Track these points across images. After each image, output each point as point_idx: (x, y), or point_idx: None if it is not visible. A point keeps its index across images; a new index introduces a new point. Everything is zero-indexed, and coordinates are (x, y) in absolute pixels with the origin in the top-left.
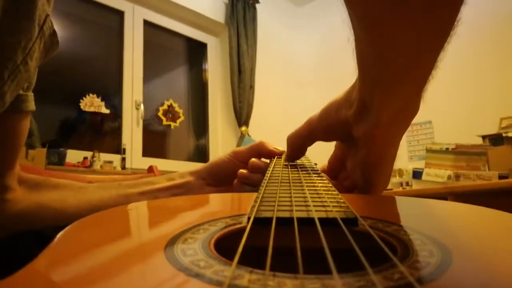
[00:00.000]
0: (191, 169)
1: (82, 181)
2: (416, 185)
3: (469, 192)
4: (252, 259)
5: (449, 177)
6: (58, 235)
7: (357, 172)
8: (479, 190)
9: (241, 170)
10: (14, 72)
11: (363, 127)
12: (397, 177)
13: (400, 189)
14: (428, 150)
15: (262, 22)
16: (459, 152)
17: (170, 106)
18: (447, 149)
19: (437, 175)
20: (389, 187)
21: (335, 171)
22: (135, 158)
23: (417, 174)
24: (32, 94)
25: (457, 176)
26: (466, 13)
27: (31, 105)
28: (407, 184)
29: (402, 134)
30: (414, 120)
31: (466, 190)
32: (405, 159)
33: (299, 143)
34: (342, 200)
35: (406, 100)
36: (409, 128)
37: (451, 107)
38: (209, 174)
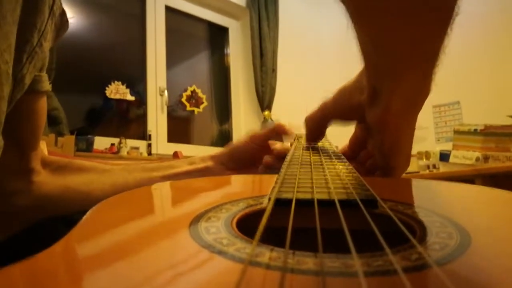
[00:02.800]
0: (212, 153)
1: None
2: (443, 168)
3: (498, 174)
4: (273, 239)
5: (477, 159)
6: (87, 214)
7: (376, 154)
8: (508, 171)
9: (266, 158)
10: (31, 55)
11: (375, 112)
12: (424, 160)
13: (427, 171)
14: (456, 132)
15: (284, 3)
16: (488, 133)
17: (193, 91)
18: (475, 130)
19: (465, 157)
20: (415, 169)
21: (356, 150)
22: (161, 143)
23: (444, 157)
24: (46, 74)
25: (486, 158)
26: None
27: (46, 85)
28: (434, 166)
29: (416, 117)
30: (442, 101)
31: (495, 172)
32: (432, 141)
33: (315, 125)
34: (362, 183)
35: (414, 85)
36: (436, 110)
37: (480, 87)
38: (228, 159)
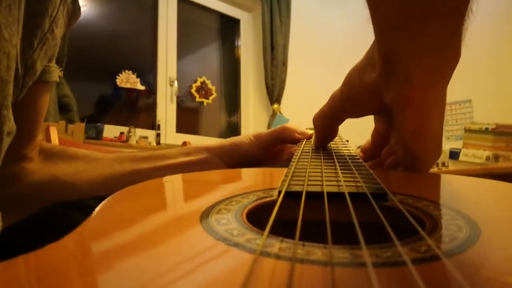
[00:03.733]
0: (208, 143)
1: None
2: (452, 166)
3: (508, 173)
4: (283, 231)
5: (487, 158)
6: (99, 206)
7: (398, 147)
8: None
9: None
10: (42, 40)
11: (394, 88)
12: None
13: (436, 169)
14: (467, 130)
15: None
16: (499, 132)
17: (203, 83)
18: (486, 129)
19: (475, 155)
20: None
21: (378, 147)
22: (169, 134)
23: (454, 155)
24: (55, 65)
25: (496, 157)
26: None
27: (55, 76)
28: (444, 164)
29: (445, 90)
30: (453, 99)
31: (505, 171)
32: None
33: (325, 123)
34: (372, 176)
35: (439, 44)
36: (447, 107)
37: (492, 85)
38: (228, 155)
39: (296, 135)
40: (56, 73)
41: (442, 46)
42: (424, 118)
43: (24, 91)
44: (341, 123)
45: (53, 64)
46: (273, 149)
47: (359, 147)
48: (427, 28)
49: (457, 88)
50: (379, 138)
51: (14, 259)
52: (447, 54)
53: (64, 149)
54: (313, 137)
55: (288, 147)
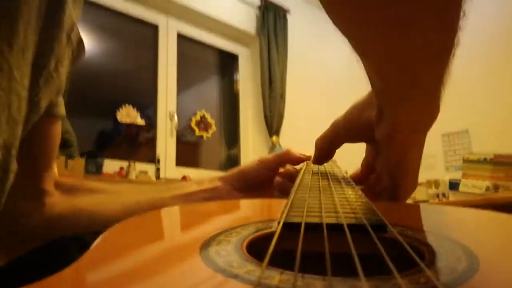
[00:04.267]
0: (221, 174)
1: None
2: (453, 197)
3: (508, 203)
4: (283, 262)
5: (487, 188)
6: (98, 238)
7: (383, 174)
8: None
9: (277, 178)
10: (48, 79)
11: (382, 130)
12: (434, 188)
13: (437, 200)
14: (465, 161)
15: (293, 31)
16: (498, 162)
17: (202, 116)
18: (485, 159)
19: (475, 186)
20: (424, 198)
21: (367, 173)
22: (169, 167)
23: (453, 185)
24: (62, 99)
25: (496, 187)
26: (500, 19)
27: (62, 110)
28: (444, 195)
29: (424, 136)
30: (450, 129)
31: (505, 202)
32: (441, 169)
33: (326, 146)
34: (371, 207)
35: (418, 108)
36: (445, 138)
37: (489, 115)
38: (237, 181)
39: (298, 155)
40: (63, 106)
41: (422, 108)
42: (404, 154)
43: (28, 128)
44: (339, 147)
45: (60, 98)
46: (277, 170)
47: (346, 172)
48: (411, 98)
49: (454, 119)
50: (368, 166)
51: None
52: (426, 114)
53: (83, 183)
54: (311, 161)
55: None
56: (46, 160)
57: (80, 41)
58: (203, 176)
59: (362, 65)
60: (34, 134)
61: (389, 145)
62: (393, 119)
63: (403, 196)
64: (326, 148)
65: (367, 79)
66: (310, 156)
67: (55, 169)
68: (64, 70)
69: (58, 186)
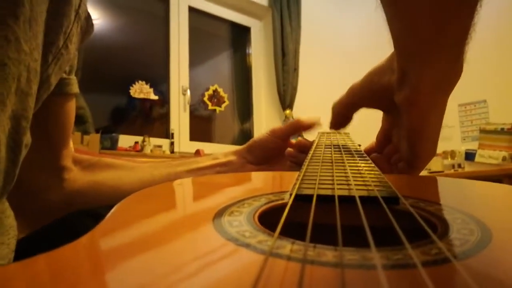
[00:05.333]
0: (235, 148)
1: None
2: (468, 167)
3: None
4: (295, 234)
5: (503, 159)
6: (114, 208)
7: (402, 143)
8: None
9: (288, 149)
10: (57, 56)
11: (404, 92)
12: (449, 159)
13: (452, 171)
14: (482, 131)
15: (306, 3)
16: None
17: (215, 91)
18: (502, 129)
19: (491, 156)
20: (440, 169)
21: (383, 144)
22: (183, 142)
23: (470, 156)
24: (75, 77)
25: None
26: None
27: (75, 88)
28: (459, 166)
29: (447, 98)
30: (468, 100)
31: None
32: (457, 140)
33: (343, 110)
34: (384, 179)
35: (444, 66)
36: (462, 108)
37: (507, 85)
38: (249, 152)
39: (308, 122)
40: (76, 85)
41: (447, 66)
42: (425, 119)
43: (39, 105)
44: (354, 112)
45: (73, 77)
46: (289, 139)
47: (359, 145)
48: (437, 55)
49: (471, 89)
50: (384, 137)
51: (32, 258)
52: (450, 72)
53: (101, 160)
54: (325, 135)
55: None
56: (63, 137)
57: (88, 17)
58: (217, 150)
59: (387, 20)
60: (49, 112)
61: (411, 108)
62: (417, 79)
63: (421, 165)
64: (343, 113)
65: (392, 38)
66: (319, 118)
67: (71, 145)
68: (73, 47)
69: (77, 162)
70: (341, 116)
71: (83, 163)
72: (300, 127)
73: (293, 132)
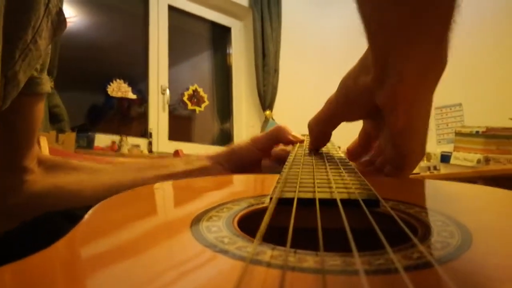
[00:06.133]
0: (210, 152)
1: (108, 163)
2: (444, 169)
3: (499, 176)
4: (276, 238)
5: (478, 161)
6: (88, 213)
7: (388, 146)
8: (510, 174)
9: (265, 161)
10: (24, 52)
11: (386, 90)
12: (425, 161)
13: (428, 173)
14: (458, 133)
15: (287, 4)
16: (490, 135)
17: (195, 90)
18: (477, 132)
19: (466, 159)
20: (416, 171)
21: (365, 146)
22: (162, 142)
23: (445, 158)
24: (47, 76)
25: (487, 160)
26: None
27: (46, 87)
28: (435, 168)
29: (432, 91)
30: (443, 103)
31: (496, 174)
32: (433, 142)
33: (321, 129)
34: (364, 182)
35: (427, 52)
36: (438, 111)
37: (482, 89)
38: (227, 161)
39: (290, 137)
40: (47, 84)
41: (431, 53)
42: (413, 115)
43: (7, 102)
44: (335, 128)
45: (44, 76)
46: (269, 150)
47: (339, 147)
48: (419, 38)
49: (447, 92)
50: (366, 138)
51: (0, 268)
52: (435, 60)
53: (66, 161)
54: (305, 142)
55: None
56: (27, 137)
57: (60, 12)
58: (196, 150)
59: (365, 13)
60: (16, 112)
61: (394, 106)
62: (399, 73)
63: (409, 168)
64: (321, 131)
65: (367, 34)
66: (303, 139)
67: (44, 144)
68: (43, 42)
69: (41, 163)
70: (320, 133)
71: (47, 163)
72: (281, 140)
73: (274, 142)
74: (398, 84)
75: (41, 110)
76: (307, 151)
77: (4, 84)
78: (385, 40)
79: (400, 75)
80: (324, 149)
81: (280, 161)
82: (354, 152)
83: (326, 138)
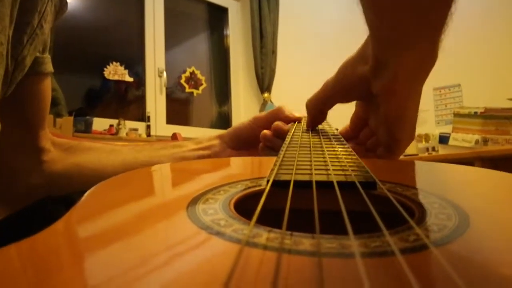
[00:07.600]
0: (219, 133)
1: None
2: (442, 150)
3: (497, 156)
4: (272, 221)
5: (476, 142)
6: (85, 194)
7: (380, 129)
8: (507, 154)
9: (264, 131)
10: (32, 36)
11: (381, 82)
12: (423, 142)
13: (426, 154)
14: (456, 114)
15: None
16: (488, 116)
17: (192, 73)
18: (475, 113)
19: (464, 139)
20: (414, 152)
21: (357, 129)
22: (159, 125)
23: (443, 139)
24: (49, 56)
25: (485, 141)
26: None
27: (49, 67)
28: (433, 149)
29: (422, 84)
30: (442, 84)
31: (494, 155)
32: (431, 123)
33: (318, 108)
34: (362, 165)
35: (421, 53)
36: (437, 92)
37: (481, 70)
38: (230, 138)
39: (288, 114)
40: (50, 63)
41: (424, 54)
42: (404, 106)
43: (13, 87)
44: (331, 108)
45: (46, 55)
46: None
47: (336, 129)
48: (415, 43)
49: (446, 73)
50: (358, 121)
51: (5, 248)
52: (428, 59)
53: (81, 143)
54: (303, 121)
55: None
56: (40, 117)
57: None
58: (194, 134)
59: (364, 11)
60: (24, 93)
61: (389, 97)
62: (395, 68)
63: (400, 150)
64: (318, 110)
65: (368, 28)
66: (301, 117)
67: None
68: (47, 26)
69: (56, 145)
70: (317, 112)
71: (63, 146)
72: (281, 118)
73: (274, 121)
74: (392, 80)
75: (47, 89)
76: (305, 132)
77: (13, 69)
78: (384, 44)
79: (395, 74)
80: (321, 130)
81: (279, 135)
82: (345, 136)
83: (322, 117)
